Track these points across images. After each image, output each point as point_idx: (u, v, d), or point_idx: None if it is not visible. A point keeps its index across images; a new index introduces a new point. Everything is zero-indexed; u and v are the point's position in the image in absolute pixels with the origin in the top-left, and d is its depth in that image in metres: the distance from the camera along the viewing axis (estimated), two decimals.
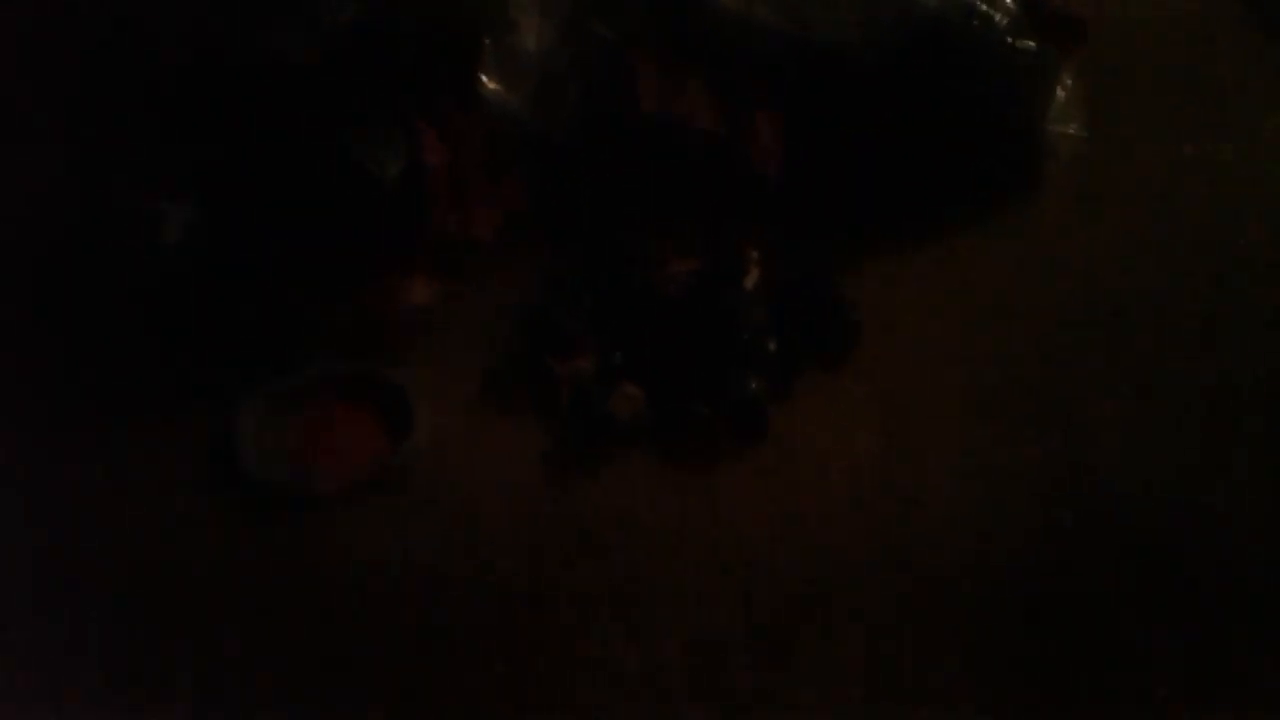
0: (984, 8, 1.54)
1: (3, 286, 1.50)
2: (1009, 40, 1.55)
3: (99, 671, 1.18)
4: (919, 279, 1.54)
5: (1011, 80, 1.56)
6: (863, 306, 1.47)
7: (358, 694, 1.17)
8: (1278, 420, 1.40)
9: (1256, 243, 1.61)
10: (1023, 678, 1.18)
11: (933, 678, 1.17)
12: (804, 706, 1.15)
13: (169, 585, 1.24)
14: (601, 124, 1.51)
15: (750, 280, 1.45)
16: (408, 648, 1.20)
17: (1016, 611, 1.23)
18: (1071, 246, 1.60)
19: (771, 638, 1.20)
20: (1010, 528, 1.29)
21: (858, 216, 1.56)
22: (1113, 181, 1.68)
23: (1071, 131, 1.60)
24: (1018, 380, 1.43)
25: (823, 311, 1.45)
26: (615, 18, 1.51)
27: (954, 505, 1.31)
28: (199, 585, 1.24)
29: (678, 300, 1.43)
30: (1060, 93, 1.60)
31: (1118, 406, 1.40)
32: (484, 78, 1.42)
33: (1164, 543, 1.28)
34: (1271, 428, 1.39)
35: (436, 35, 1.38)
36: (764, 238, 1.50)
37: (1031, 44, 1.55)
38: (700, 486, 1.32)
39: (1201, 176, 1.70)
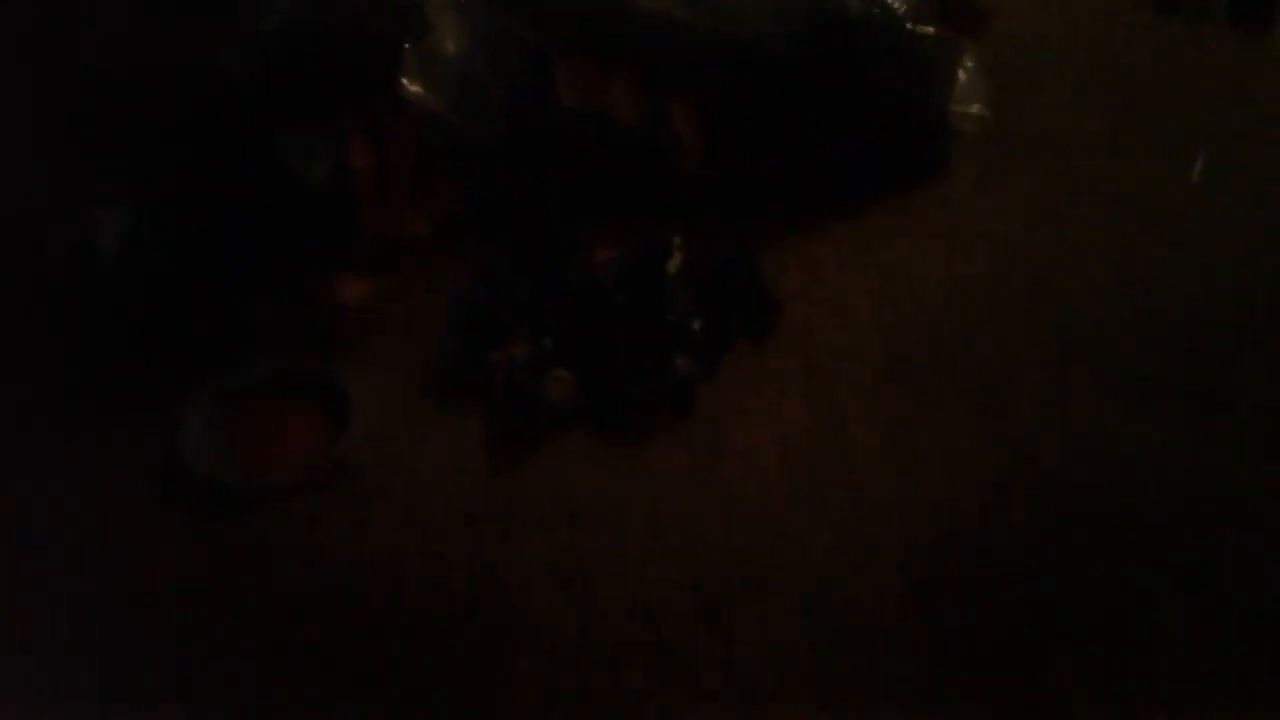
0: None
1: None
2: (910, 26, 1.62)
3: (82, 671, 1.19)
4: (836, 257, 1.60)
5: (914, 64, 1.63)
6: (784, 285, 1.52)
7: (314, 678, 1.19)
8: (1197, 380, 1.44)
9: (1164, 207, 1.68)
10: (961, 642, 1.20)
11: (868, 640, 1.20)
12: (745, 671, 1.18)
13: (132, 586, 1.26)
14: (524, 121, 1.55)
15: (674, 264, 1.50)
16: (360, 632, 1.22)
17: (949, 573, 1.25)
18: (981, 220, 1.66)
19: (710, 604, 1.23)
20: (935, 489, 1.33)
21: (776, 200, 1.62)
22: (1018, 156, 1.75)
23: (975, 111, 1.68)
24: (934, 349, 1.48)
25: (745, 291, 1.50)
26: (533, 18, 1.56)
27: (881, 469, 1.35)
28: (160, 584, 1.26)
29: (605, 286, 1.48)
30: (963, 75, 1.68)
31: (1035, 371, 1.46)
32: (405, 81, 1.45)
33: (1088, 504, 1.31)
34: (1191, 388, 1.43)
35: (357, 41, 1.42)
36: (686, 223, 1.55)
37: (931, 29, 1.63)
38: (636, 463, 1.36)
39: (1106, 147, 1.78)
